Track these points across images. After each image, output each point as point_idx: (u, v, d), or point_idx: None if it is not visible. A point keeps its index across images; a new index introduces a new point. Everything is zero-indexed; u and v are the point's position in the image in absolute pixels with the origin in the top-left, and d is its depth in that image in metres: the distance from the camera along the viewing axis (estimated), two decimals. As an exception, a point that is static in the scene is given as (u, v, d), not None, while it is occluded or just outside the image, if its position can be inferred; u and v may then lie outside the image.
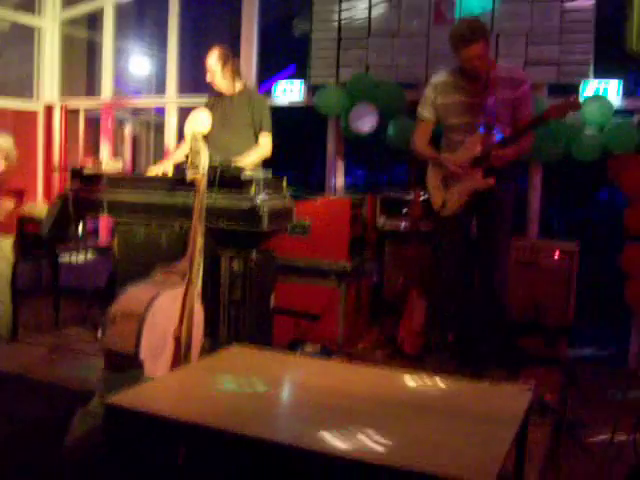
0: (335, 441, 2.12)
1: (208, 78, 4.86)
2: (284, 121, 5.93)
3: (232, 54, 4.92)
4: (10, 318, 5.10)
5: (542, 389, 3.88)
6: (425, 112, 4.47)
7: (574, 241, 4.92)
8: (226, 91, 4.90)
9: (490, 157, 4.14)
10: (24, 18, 7.69)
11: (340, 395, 2.63)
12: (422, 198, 4.80)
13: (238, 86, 4.92)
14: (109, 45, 7.52)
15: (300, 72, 6.71)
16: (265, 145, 4.85)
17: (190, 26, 7.68)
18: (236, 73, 4.90)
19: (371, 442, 2.14)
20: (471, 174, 4.23)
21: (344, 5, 6.00)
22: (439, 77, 4.44)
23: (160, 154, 7.77)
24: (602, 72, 5.21)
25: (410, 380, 2.92)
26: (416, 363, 4.47)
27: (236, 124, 4.83)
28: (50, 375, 3.86)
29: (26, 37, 7.83)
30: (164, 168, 4.74)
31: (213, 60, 4.81)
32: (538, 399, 3.60)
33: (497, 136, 4.21)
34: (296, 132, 9.42)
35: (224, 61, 4.80)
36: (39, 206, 6.19)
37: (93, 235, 7.38)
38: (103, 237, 7.44)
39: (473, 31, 4.10)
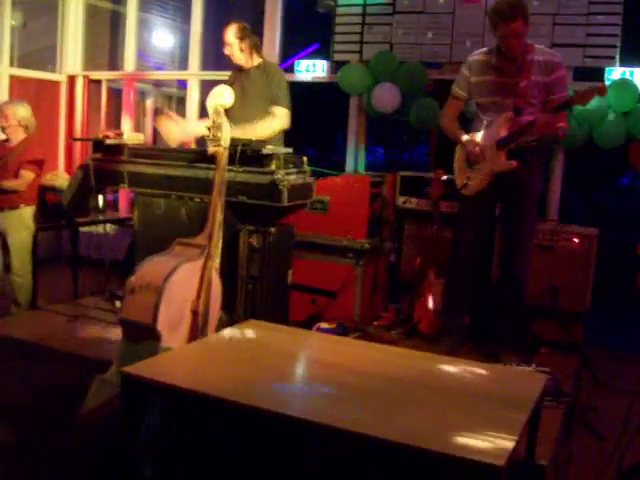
0: (347, 418, 2.14)
1: (226, 51, 4.84)
2: (306, 98, 5.91)
3: (250, 30, 4.88)
4: (30, 287, 5.16)
5: (556, 374, 3.87)
6: (458, 89, 4.44)
7: (593, 226, 4.88)
8: (245, 65, 4.88)
9: (515, 139, 4.11)
10: (49, -12, 7.71)
11: (354, 373, 2.64)
12: (443, 178, 4.77)
13: (257, 60, 4.89)
14: (133, 17, 7.52)
15: (323, 51, 6.68)
16: (280, 117, 4.71)
17: (214, 0, 7.66)
18: (254, 48, 4.86)
19: (383, 420, 2.15)
20: (495, 155, 4.19)
21: (370, -19, 5.97)
22: (475, 56, 4.39)
23: (181, 127, 7.77)
24: (629, 59, 5.15)
25: (425, 360, 2.94)
26: (432, 343, 4.47)
27: (254, 97, 4.79)
28: (68, 344, 3.90)
29: (50, 7, 7.85)
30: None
31: (231, 34, 4.77)
32: (552, 383, 3.59)
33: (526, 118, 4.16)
34: (318, 109, 9.40)
35: (241, 35, 4.75)
36: (60, 176, 6.23)
37: (112, 206, 7.43)
38: (123, 208, 7.48)
39: (513, 8, 4.03)
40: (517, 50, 4.12)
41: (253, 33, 4.90)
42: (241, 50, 4.78)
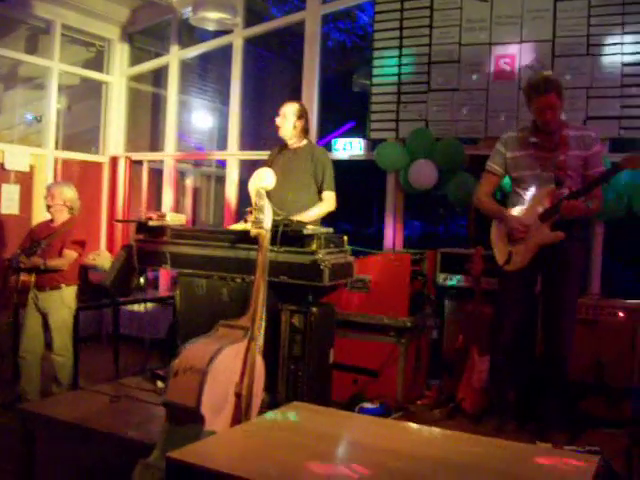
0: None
1: (278, 121, 4.93)
2: (342, 174, 5.97)
3: (306, 112, 5.02)
4: (71, 366, 5.18)
5: (606, 453, 3.76)
6: (494, 165, 4.47)
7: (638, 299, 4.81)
8: (290, 143, 4.98)
9: (560, 210, 4.10)
10: (93, 74, 7.99)
11: (399, 456, 2.59)
12: (483, 254, 4.75)
13: (304, 142, 4.99)
14: (173, 99, 7.74)
15: (359, 128, 6.80)
16: (328, 201, 4.88)
17: (251, 82, 7.86)
18: (305, 130, 4.98)
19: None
20: (539, 228, 4.19)
21: (404, 60, 6.09)
22: (510, 133, 4.45)
23: (220, 206, 7.90)
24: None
25: (467, 442, 2.86)
26: (476, 423, 4.38)
27: (297, 177, 4.88)
28: (110, 425, 3.86)
29: (94, 91, 8.12)
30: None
31: (291, 109, 4.91)
32: (603, 464, 3.48)
33: (566, 190, 4.17)
34: (354, 185, 9.48)
35: (300, 115, 4.90)
36: (102, 255, 6.33)
37: (153, 284, 7.50)
38: (163, 287, 7.55)
39: (546, 82, 4.14)
40: (552, 123, 4.16)
41: (306, 115, 5.02)
42: (294, 127, 4.89)
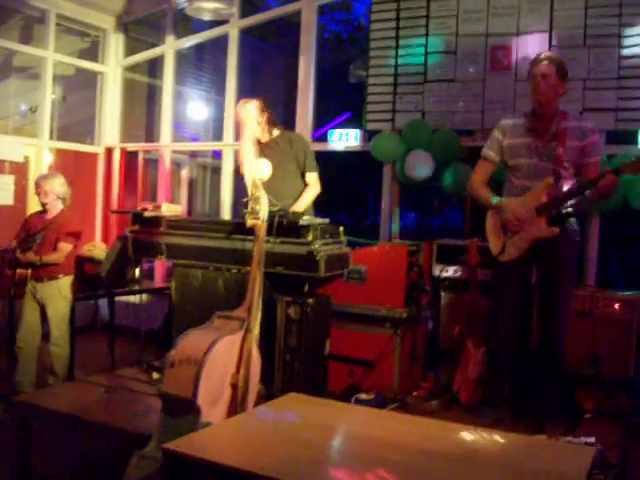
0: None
1: (242, 126, 4.84)
2: (338, 165, 5.96)
3: (266, 105, 4.91)
4: (68, 357, 5.18)
5: (602, 444, 3.76)
6: (490, 152, 4.41)
7: (633, 291, 4.81)
8: (262, 138, 4.91)
9: (556, 205, 4.10)
10: (88, 64, 7.95)
11: (395, 448, 2.59)
12: (479, 245, 4.74)
13: (275, 132, 4.95)
14: (169, 90, 7.71)
15: (355, 119, 6.77)
16: (314, 183, 4.87)
17: (247, 72, 7.84)
18: (272, 122, 4.92)
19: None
20: (535, 222, 4.17)
21: (400, 51, 6.07)
22: (508, 119, 4.40)
23: (216, 197, 7.88)
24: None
25: (464, 433, 2.86)
26: (472, 414, 4.38)
27: (283, 166, 4.81)
28: (106, 416, 3.87)
29: (89, 81, 8.09)
30: None
31: (251, 109, 4.81)
32: (598, 454, 3.48)
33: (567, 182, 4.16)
34: (350, 176, 9.48)
35: (261, 109, 4.82)
36: (97, 246, 6.31)
37: (148, 275, 7.48)
38: (158, 278, 7.53)
39: (548, 55, 4.17)
40: (544, 95, 4.12)
41: (269, 107, 4.94)
42: (258, 123, 4.82)
